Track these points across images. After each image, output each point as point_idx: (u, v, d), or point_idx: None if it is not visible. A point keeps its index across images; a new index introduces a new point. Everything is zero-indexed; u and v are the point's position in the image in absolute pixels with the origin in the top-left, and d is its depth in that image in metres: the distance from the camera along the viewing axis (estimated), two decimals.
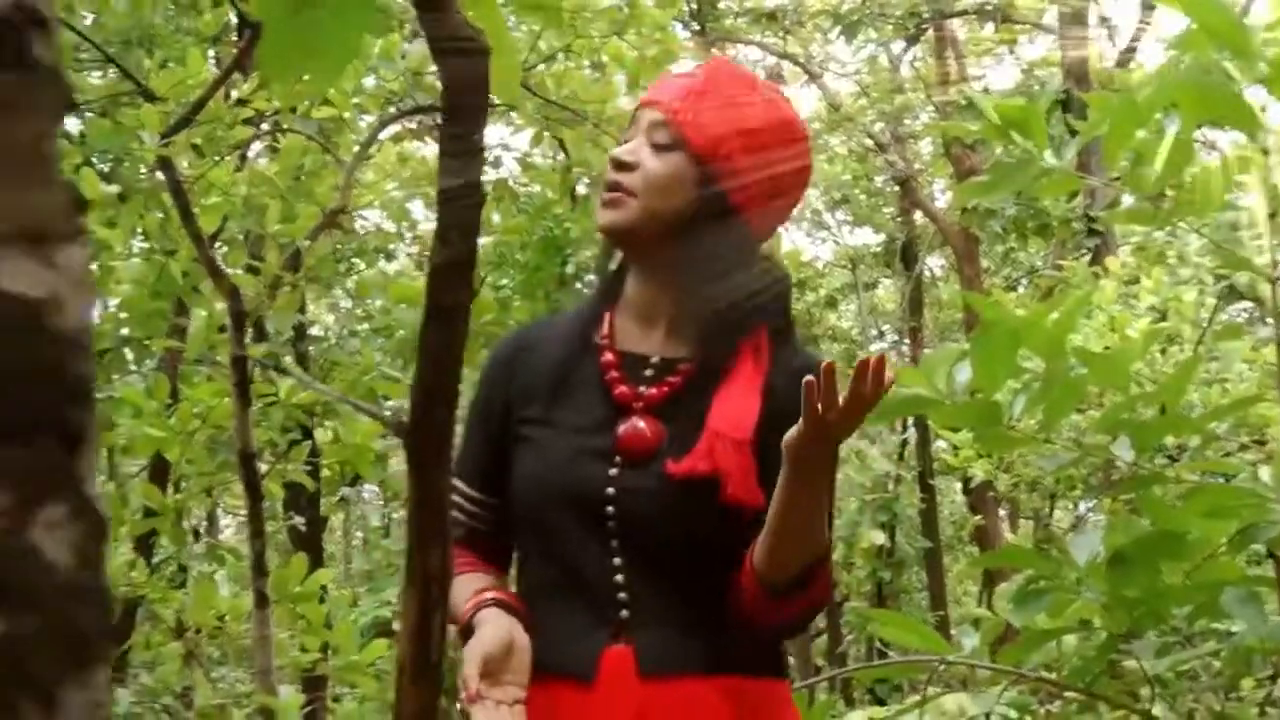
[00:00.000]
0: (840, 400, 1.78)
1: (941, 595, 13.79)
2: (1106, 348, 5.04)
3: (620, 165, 2.04)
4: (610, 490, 1.98)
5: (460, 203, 1.33)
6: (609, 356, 2.07)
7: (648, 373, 2.06)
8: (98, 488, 0.51)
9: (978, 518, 12.52)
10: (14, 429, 0.47)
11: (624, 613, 1.96)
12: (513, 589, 2.12)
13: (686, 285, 2.05)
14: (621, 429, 2.02)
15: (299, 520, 7.74)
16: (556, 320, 2.26)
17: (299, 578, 3.61)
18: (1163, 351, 5.65)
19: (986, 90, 13.13)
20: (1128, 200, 2.92)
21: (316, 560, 10.94)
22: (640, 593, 1.97)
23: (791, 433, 1.83)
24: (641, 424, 2.02)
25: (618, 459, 2.01)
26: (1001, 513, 13.65)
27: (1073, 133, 2.76)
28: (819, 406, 1.78)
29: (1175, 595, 2.59)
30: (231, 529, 16.24)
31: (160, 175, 3.03)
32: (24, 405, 0.47)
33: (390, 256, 10.22)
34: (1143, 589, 2.53)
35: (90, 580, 0.49)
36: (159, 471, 7.05)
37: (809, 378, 1.78)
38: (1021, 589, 2.60)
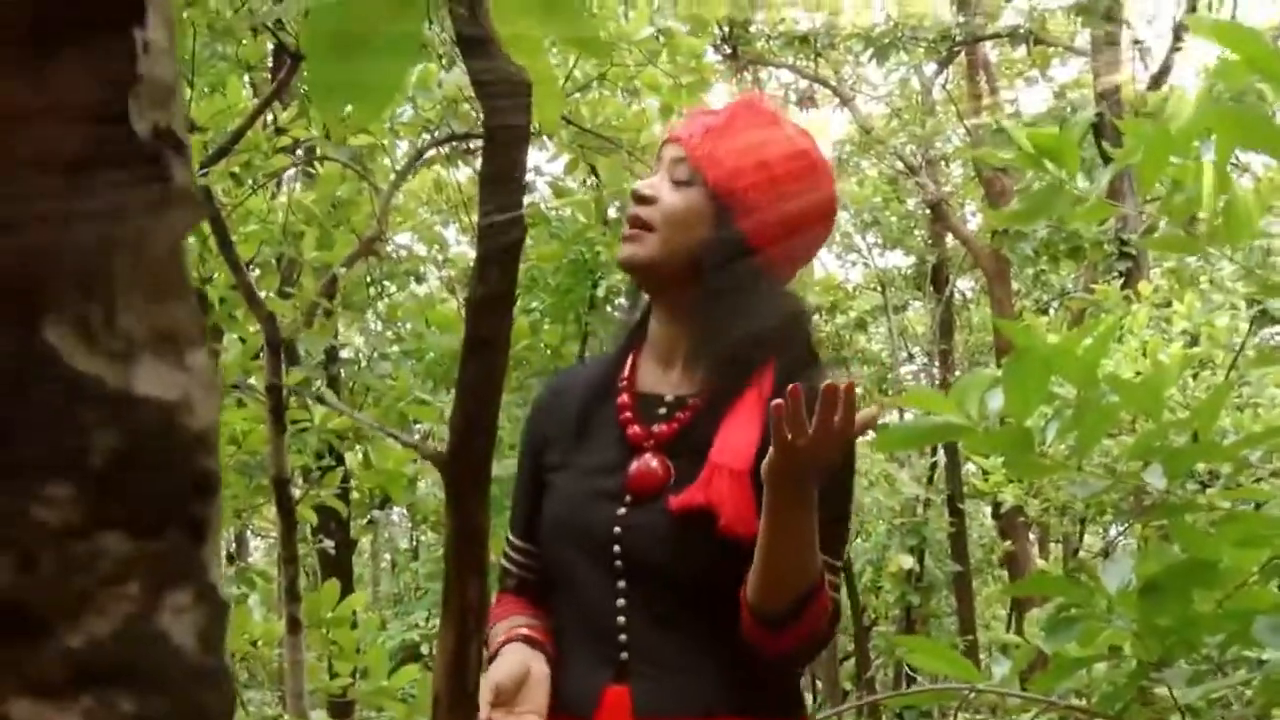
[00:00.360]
0: (809, 428, 1.75)
1: (971, 620, 13.72)
2: (1138, 373, 5.03)
3: (641, 199, 2.06)
4: (617, 529, 2.01)
5: (500, 238, 1.35)
6: (625, 398, 2.10)
7: (660, 411, 2.08)
8: (220, 574, 0.53)
9: (1008, 543, 12.46)
10: (147, 522, 0.49)
11: (624, 654, 1.98)
12: None
13: (701, 323, 2.06)
14: (633, 468, 2.04)
15: (329, 544, 7.76)
16: (588, 366, 2.30)
17: (331, 603, 3.62)
18: (1195, 376, 5.63)
19: (1018, 113, 13.12)
20: (1162, 225, 2.92)
21: (346, 583, 10.95)
22: (641, 633, 1.98)
23: (767, 460, 1.82)
24: (654, 462, 2.04)
25: (627, 498, 2.03)
26: (1031, 536, 13.60)
27: (1105, 159, 2.77)
28: (787, 433, 1.76)
29: (1207, 623, 2.59)
30: (260, 551, 16.30)
31: None
32: (156, 500, 0.50)
33: (420, 279, 10.25)
34: (1174, 617, 2.53)
35: (213, 663, 0.51)
36: None
37: (776, 401, 1.76)
38: (1053, 617, 2.60)
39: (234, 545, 13.78)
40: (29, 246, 0.45)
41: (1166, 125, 2.54)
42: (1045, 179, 2.61)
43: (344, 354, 10.70)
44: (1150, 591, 2.47)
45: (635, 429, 2.06)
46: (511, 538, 2.17)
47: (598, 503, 2.03)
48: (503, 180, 1.34)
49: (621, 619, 1.98)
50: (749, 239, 2.04)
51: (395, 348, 10.12)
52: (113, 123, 0.48)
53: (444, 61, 3.66)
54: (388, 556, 19.78)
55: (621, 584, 1.99)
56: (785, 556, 1.87)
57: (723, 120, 2.09)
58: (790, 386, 1.76)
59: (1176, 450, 2.66)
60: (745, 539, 1.92)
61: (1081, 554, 11.11)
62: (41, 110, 0.45)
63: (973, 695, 2.66)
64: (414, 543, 16.37)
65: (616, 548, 1.99)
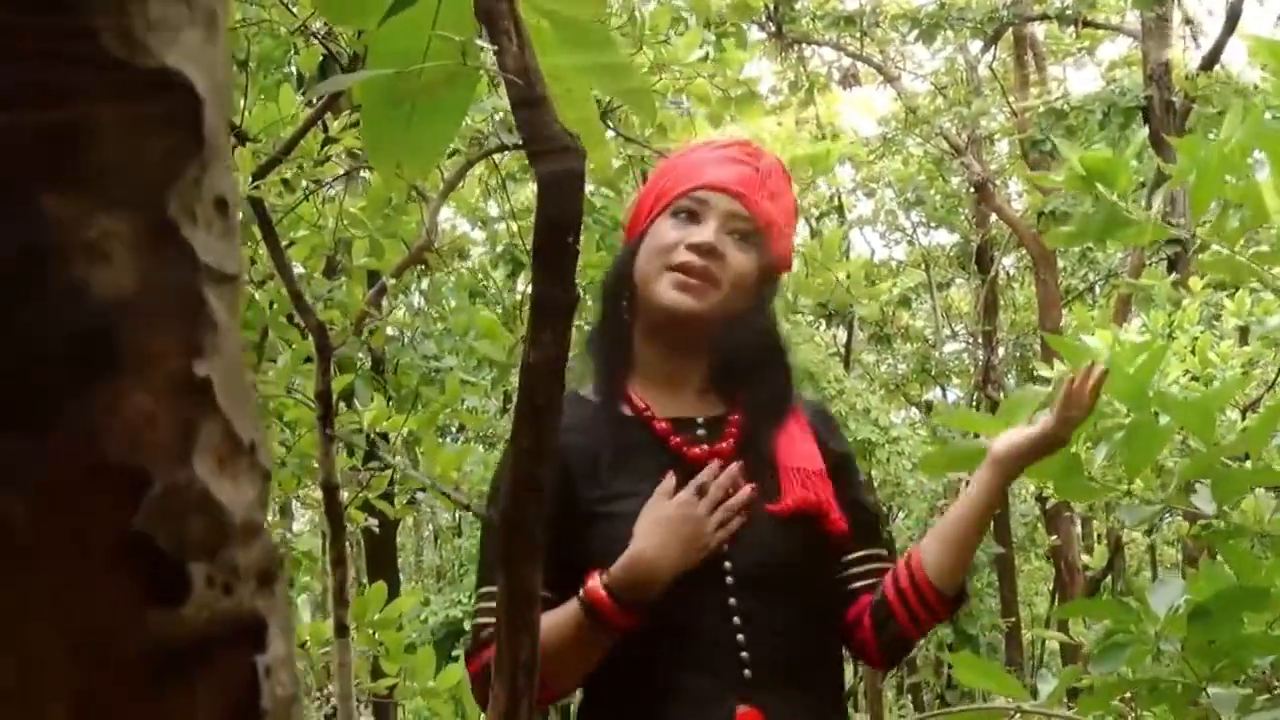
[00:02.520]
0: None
1: (1013, 601, 13.72)
2: (1187, 371, 4.98)
3: (710, 252, 2.04)
4: (725, 545, 2.00)
5: (554, 306, 1.35)
6: (661, 424, 2.09)
7: (700, 432, 2.10)
8: None
9: (1053, 538, 12.37)
10: None
11: (747, 671, 1.96)
12: None
13: (733, 354, 2.10)
14: None
15: (373, 523, 7.79)
16: (575, 399, 2.12)
17: (379, 605, 3.64)
18: (1245, 374, 5.56)
19: (1066, 94, 12.98)
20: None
21: (389, 558, 10.98)
22: (760, 649, 1.97)
23: (1019, 439, 2.06)
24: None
25: None
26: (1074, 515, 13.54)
27: (1162, 176, 2.75)
28: (1072, 409, 2.01)
29: (1258, 645, 2.57)
30: (305, 519, 16.34)
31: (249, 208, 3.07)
32: None
33: (464, 255, 10.23)
34: (1224, 640, 2.51)
35: None
36: None
37: (1070, 376, 2.03)
38: (1101, 641, 2.59)
39: (278, 513, 13.81)
40: None
41: (1221, 145, 2.51)
42: (1096, 201, 2.59)
43: (387, 331, 10.70)
44: (1200, 615, 2.46)
45: (694, 450, 2.07)
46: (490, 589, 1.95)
47: None
48: (556, 251, 1.35)
49: (741, 636, 1.97)
50: (777, 289, 2.21)
51: (439, 324, 10.13)
52: None
53: (492, 82, 3.64)
54: (430, 526, 19.83)
55: (733, 600, 1.98)
56: (980, 534, 2.11)
57: (772, 178, 2.13)
58: (1088, 366, 2.03)
59: (1228, 475, 2.64)
60: (837, 538, 2.06)
61: (1124, 541, 11.05)
62: None
63: (1017, 716, 2.66)
64: (456, 519, 16.43)
65: (727, 563, 1.99)
